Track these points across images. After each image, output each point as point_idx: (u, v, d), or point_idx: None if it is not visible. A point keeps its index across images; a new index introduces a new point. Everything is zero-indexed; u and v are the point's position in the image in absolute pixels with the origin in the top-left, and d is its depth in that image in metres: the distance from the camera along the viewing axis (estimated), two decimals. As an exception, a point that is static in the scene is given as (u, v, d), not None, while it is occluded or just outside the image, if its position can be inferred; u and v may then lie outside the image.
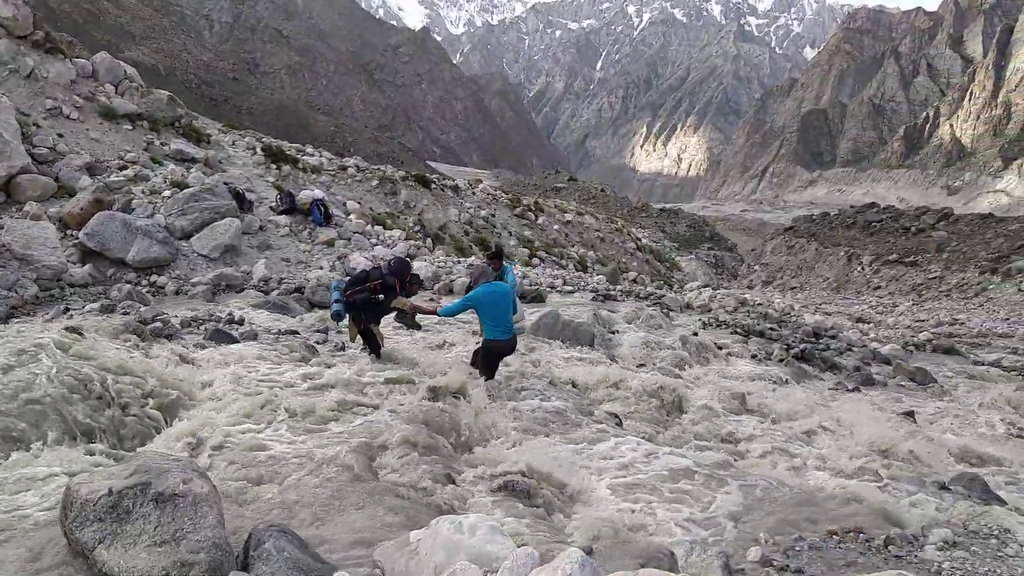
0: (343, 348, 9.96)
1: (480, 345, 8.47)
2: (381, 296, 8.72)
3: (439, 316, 8.68)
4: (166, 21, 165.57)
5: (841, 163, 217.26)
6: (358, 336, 9.28)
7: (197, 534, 3.49)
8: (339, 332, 10.80)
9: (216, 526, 3.57)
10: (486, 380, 8.17)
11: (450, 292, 17.76)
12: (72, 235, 14.73)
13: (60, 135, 17.96)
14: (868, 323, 22.80)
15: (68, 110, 18.99)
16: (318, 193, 21.02)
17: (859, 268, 43.05)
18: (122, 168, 18.04)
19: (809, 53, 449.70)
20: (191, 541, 3.46)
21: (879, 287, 39.11)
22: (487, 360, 8.29)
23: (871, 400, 10.61)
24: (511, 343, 8.22)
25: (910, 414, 9.29)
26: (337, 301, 8.81)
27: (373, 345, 9.17)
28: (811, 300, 35.20)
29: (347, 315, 8.91)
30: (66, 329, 7.11)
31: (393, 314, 9.39)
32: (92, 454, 5.26)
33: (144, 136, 20.36)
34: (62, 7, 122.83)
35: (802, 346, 14.40)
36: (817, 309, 27.55)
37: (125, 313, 9.97)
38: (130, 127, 20.24)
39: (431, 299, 13.82)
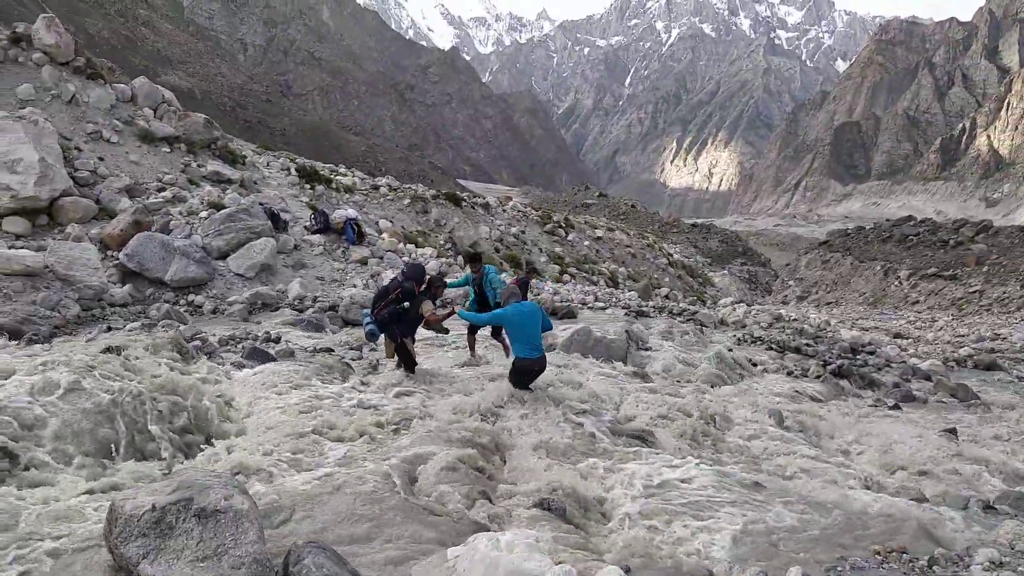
0: (376, 366, 10.03)
1: (512, 364, 8.47)
2: (406, 304, 8.78)
3: (459, 317, 9.00)
4: (201, 46, 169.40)
5: (876, 176, 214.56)
6: (394, 353, 9.36)
7: (238, 549, 3.53)
8: (373, 350, 10.89)
9: (257, 542, 3.61)
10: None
11: (482, 309, 17.82)
12: (112, 256, 15.06)
13: (101, 158, 18.41)
14: (907, 338, 22.38)
15: (108, 134, 19.46)
16: (351, 212, 21.27)
17: (896, 282, 42.33)
18: (160, 190, 18.42)
19: (841, 66, 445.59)
20: (232, 556, 3.50)
21: (917, 302, 38.41)
22: (517, 379, 8.30)
23: (912, 417, 10.40)
24: (540, 362, 8.22)
25: (952, 431, 9.09)
26: (369, 321, 8.93)
27: (408, 361, 9.23)
28: (847, 315, 34.66)
29: (381, 333, 9.00)
30: (108, 349, 7.27)
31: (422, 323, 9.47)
32: (135, 471, 5.35)
33: (181, 158, 20.79)
34: (101, 33, 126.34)
35: (839, 362, 14.19)
36: (854, 324, 27.12)
37: (165, 331, 10.16)
38: (168, 150, 20.68)
39: (443, 305, 13.72)
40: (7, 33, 20.12)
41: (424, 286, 9.12)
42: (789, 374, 13.23)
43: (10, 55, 19.49)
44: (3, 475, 5.07)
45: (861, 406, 11.38)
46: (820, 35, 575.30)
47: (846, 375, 13.42)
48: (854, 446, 8.64)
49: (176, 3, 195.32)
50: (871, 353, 16.49)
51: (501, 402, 7.85)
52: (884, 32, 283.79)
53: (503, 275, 15.82)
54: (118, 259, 14.84)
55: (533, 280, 16.59)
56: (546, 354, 8.49)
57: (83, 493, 4.93)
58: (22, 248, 13.82)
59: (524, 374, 8.24)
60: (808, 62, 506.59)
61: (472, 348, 10.99)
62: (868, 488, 6.73)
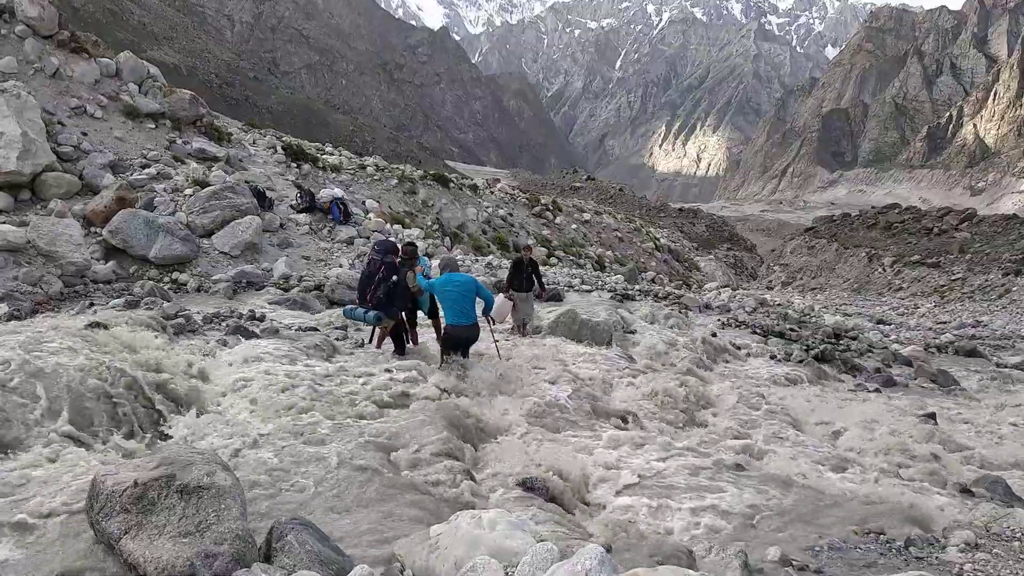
0: (362, 345, 10.02)
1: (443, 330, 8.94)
2: (395, 277, 8.95)
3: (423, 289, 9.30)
4: (188, 21, 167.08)
5: (862, 163, 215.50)
6: (392, 331, 9.41)
7: (221, 525, 3.54)
8: (358, 329, 10.86)
9: (239, 518, 3.62)
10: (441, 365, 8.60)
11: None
12: (96, 232, 14.91)
13: (84, 134, 18.17)
14: (889, 324, 22.58)
15: (92, 109, 19.20)
16: (338, 192, 21.15)
17: (880, 269, 42.63)
18: (145, 166, 18.22)
19: (831, 52, 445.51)
20: (215, 532, 3.51)
21: (900, 288, 38.72)
22: (445, 345, 8.74)
23: (892, 402, 10.52)
24: (470, 330, 8.62)
25: (932, 416, 9.20)
26: (366, 310, 8.93)
27: (399, 342, 9.30)
28: (831, 301, 34.92)
29: (386, 314, 9.01)
30: (91, 324, 7.22)
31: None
32: (119, 446, 5.34)
33: (167, 135, 20.56)
34: (86, 7, 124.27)
35: (822, 347, 14.29)
36: (837, 310, 27.32)
37: (148, 308, 10.09)
38: (153, 126, 20.45)
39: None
40: (-11, 5, 19.76)
41: (401, 258, 9.23)
42: (772, 358, 13.33)
43: (-9, 27, 19.15)
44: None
45: (843, 390, 11.49)
46: (811, 21, 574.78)
47: (828, 359, 13.52)
48: (834, 429, 8.72)
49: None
50: (854, 339, 16.63)
51: (428, 368, 8.26)
52: (874, 19, 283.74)
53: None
54: (101, 236, 14.70)
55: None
56: (478, 323, 8.82)
57: (63, 464, 4.91)
58: (4, 223, 13.66)
59: (453, 340, 8.66)
60: (798, 48, 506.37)
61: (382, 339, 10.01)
62: (847, 470, 6.81)
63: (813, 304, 28.41)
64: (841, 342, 15.90)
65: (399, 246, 9.73)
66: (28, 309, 10.68)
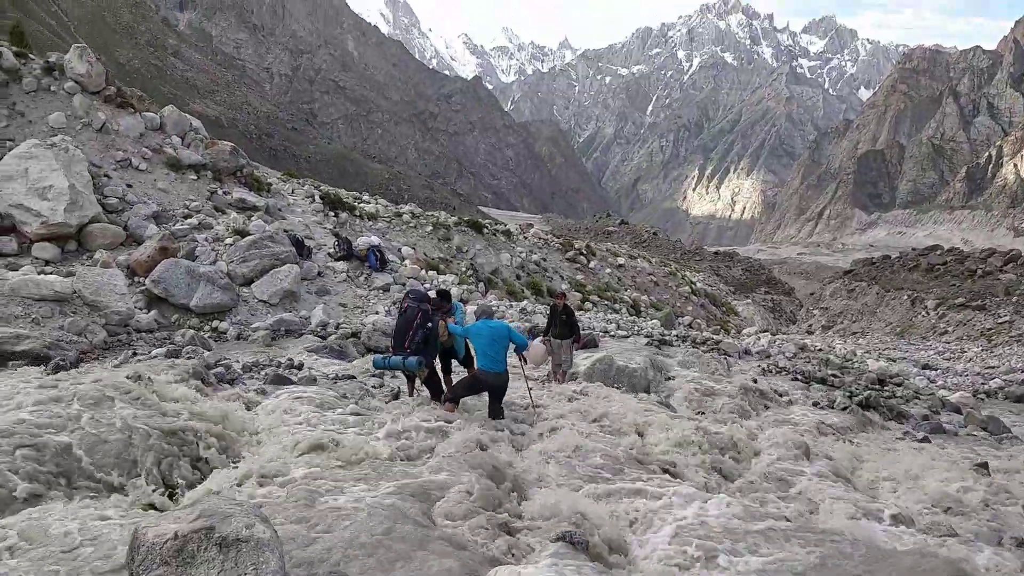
0: (398, 394, 10.01)
1: (470, 377, 9.15)
2: (429, 324, 9.04)
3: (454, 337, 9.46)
4: (229, 75, 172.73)
5: (901, 205, 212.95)
6: (426, 380, 9.40)
7: (259, 580, 3.51)
8: (394, 377, 10.87)
9: (278, 571, 3.59)
10: (446, 402, 8.78)
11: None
12: (139, 282, 15.25)
13: (129, 185, 18.74)
14: (935, 370, 22.00)
15: (137, 161, 19.82)
16: (374, 239, 21.45)
17: (923, 312, 41.74)
18: (187, 217, 18.69)
19: (864, 94, 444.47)
20: (253, 587, 3.48)
21: (945, 332, 37.82)
22: (470, 385, 8.96)
23: (942, 451, 10.18)
24: (499, 376, 8.79)
25: (984, 465, 8.87)
26: (405, 356, 8.91)
27: (435, 388, 9.28)
28: (873, 346, 34.18)
29: (424, 359, 9.01)
30: (132, 375, 7.32)
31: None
32: (158, 498, 5.36)
33: (208, 186, 21.10)
34: (131, 63, 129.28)
35: (866, 393, 13.95)
36: (880, 355, 26.73)
37: (189, 358, 10.23)
38: (195, 177, 21.01)
39: None
40: (40, 63, 20.64)
41: (434, 307, 9.33)
42: (815, 405, 13.03)
43: (43, 84, 19.96)
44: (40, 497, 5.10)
45: (889, 438, 11.16)
46: (843, 63, 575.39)
47: (873, 406, 13.19)
48: (882, 479, 8.45)
49: (204, 33, 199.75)
50: (899, 385, 16.22)
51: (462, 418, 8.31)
52: (908, 60, 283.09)
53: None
54: (144, 285, 15.03)
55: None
56: (507, 373, 8.98)
57: (107, 518, 4.94)
58: (51, 274, 14.04)
59: (480, 383, 8.88)
60: (831, 91, 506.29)
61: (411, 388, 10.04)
62: (897, 523, 6.57)
63: (855, 349, 27.83)
64: (886, 388, 15.52)
65: (440, 290, 9.99)
66: (73, 359, 10.90)
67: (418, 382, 9.54)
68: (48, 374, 8.80)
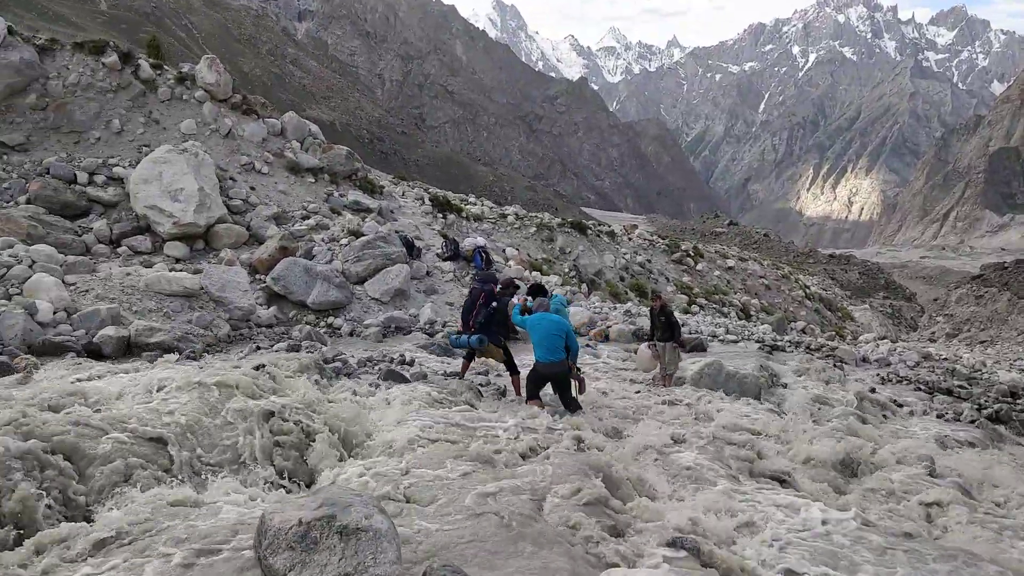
0: (504, 392, 10.15)
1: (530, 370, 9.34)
2: (494, 304, 9.49)
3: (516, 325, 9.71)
4: (343, 81, 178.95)
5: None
6: (502, 357, 9.98)
7: (377, 568, 3.63)
8: (498, 375, 11.04)
9: (395, 562, 3.70)
10: (528, 398, 9.13)
11: (606, 339, 17.66)
12: (260, 279, 16.04)
13: (252, 188, 19.72)
14: (1077, 383, 20.30)
15: (260, 165, 20.84)
16: (480, 240, 21.76)
17: (1063, 321, 38.65)
18: (305, 218, 19.50)
19: (997, 88, 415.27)
20: (371, 575, 3.61)
21: (1088, 343, 34.89)
22: (531, 379, 9.18)
23: (1086, 470, 9.40)
24: (556, 366, 8.97)
25: None
26: (469, 335, 9.52)
27: (512, 362, 9.90)
28: (1004, 356, 31.90)
29: (488, 338, 9.55)
30: (256, 367, 7.72)
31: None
32: (282, 485, 5.63)
33: (325, 188, 21.96)
34: (254, 71, 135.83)
35: (997, 406, 13.07)
36: (1012, 366, 24.92)
37: (309, 352, 10.69)
38: (313, 180, 21.90)
39: None
40: (174, 73, 22.01)
41: (501, 286, 9.67)
42: (939, 417, 12.30)
43: (176, 93, 21.29)
44: (160, 478, 5.47)
45: (1023, 454, 10.41)
46: (974, 56, 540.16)
47: (1005, 420, 12.36)
48: (1015, 498, 7.90)
49: (321, 42, 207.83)
50: (1034, 398, 15.09)
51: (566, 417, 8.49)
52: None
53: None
54: (265, 282, 15.78)
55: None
56: (566, 361, 9.11)
57: (230, 503, 5.22)
58: (181, 271, 14.97)
59: (540, 376, 9.12)
60: (960, 85, 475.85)
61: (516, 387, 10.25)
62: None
63: (984, 359, 26.07)
64: (1019, 401, 14.46)
65: (508, 280, 10.55)
66: (200, 350, 11.59)
67: (473, 363, 10.36)
68: (179, 363, 9.41)
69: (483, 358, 10.32)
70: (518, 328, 9.78)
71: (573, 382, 9.32)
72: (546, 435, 7.52)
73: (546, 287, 10.86)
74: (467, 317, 9.59)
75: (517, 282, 10.84)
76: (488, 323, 9.46)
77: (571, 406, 9.07)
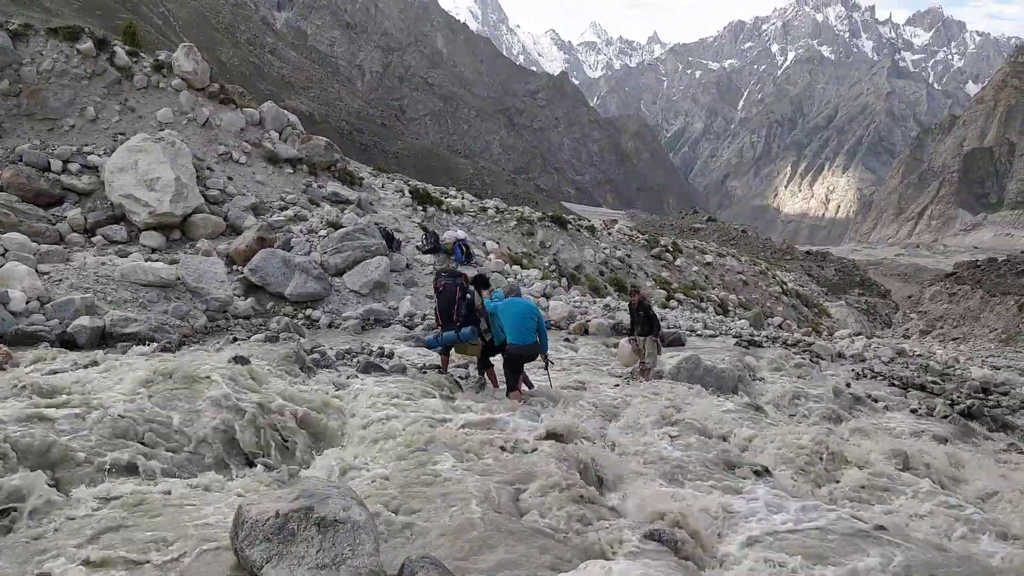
0: (484, 385, 10.14)
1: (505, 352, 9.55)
2: (468, 295, 9.67)
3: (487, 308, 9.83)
4: (323, 72, 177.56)
5: (1009, 205, 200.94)
6: (478, 353, 10.02)
7: (355, 560, 3.62)
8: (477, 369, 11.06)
9: (373, 554, 3.69)
10: (509, 390, 9.30)
11: (585, 332, 17.72)
12: (237, 270, 15.88)
13: (230, 178, 19.50)
14: (1046, 379, 20.66)
15: (237, 155, 20.60)
16: (460, 233, 21.70)
17: (1032, 319, 39.31)
18: (283, 209, 19.33)
19: (972, 89, 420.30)
20: (349, 567, 3.59)
21: (1057, 340, 35.53)
22: (508, 364, 9.42)
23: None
24: (529, 348, 9.36)
25: (1102, 483, 8.31)
26: (458, 329, 9.55)
27: (486, 363, 10.02)
28: (976, 352, 32.41)
29: (474, 330, 9.60)
30: (234, 359, 7.65)
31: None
32: (257, 477, 5.58)
33: (303, 179, 21.77)
34: (232, 60, 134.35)
35: (969, 402, 13.29)
36: (984, 362, 25.32)
37: (286, 343, 10.61)
38: (291, 171, 21.70)
39: None
40: (150, 61, 21.67)
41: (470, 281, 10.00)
42: (913, 412, 12.48)
43: (152, 81, 20.96)
44: (145, 474, 5.41)
45: (993, 450, 10.60)
46: (949, 57, 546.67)
47: (976, 416, 12.56)
48: (985, 491, 8.05)
49: (300, 32, 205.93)
50: (1004, 394, 15.33)
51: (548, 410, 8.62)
52: (1020, 54, 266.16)
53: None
54: (243, 273, 15.64)
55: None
56: (537, 343, 9.49)
57: (208, 493, 5.18)
58: (157, 261, 14.79)
59: (514, 357, 9.36)
60: (936, 85, 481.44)
61: (493, 379, 10.28)
62: (1001, 537, 6.25)
63: (957, 355, 26.47)
64: (990, 397, 14.70)
65: (478, 275, 10.61)
66: (176, 341, 11.47)
67: (451, 360, 10.39)
68: (154, 354, 9.29)
69: (461, 353, 10.25)
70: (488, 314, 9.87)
71: (545, 363, 9.87)
72: (525, 428, 7.53)
73: (488, 279, 10.92)
74: (448, 314, 9.57)
75: (487, 279, 10.85)
76: (470, 315, 9.53)
77: (527, 382, 9.72)
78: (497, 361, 9.97)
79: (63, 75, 19.35)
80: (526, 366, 9.73)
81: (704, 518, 5.56)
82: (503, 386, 9.76)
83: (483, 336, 9.71)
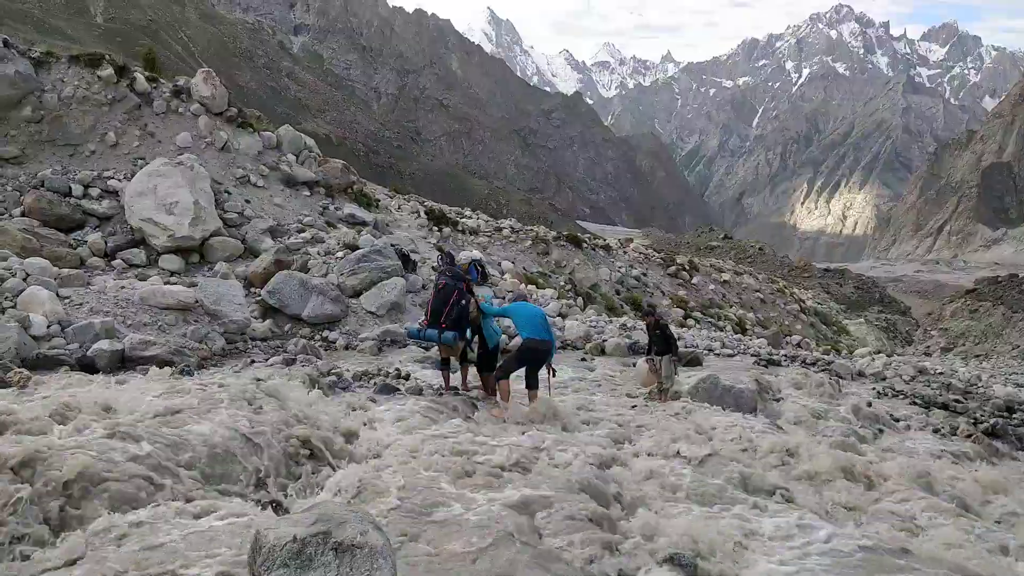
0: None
1: (516, 350, 9.75)
2: (463, 302, 9.41)
3: (483, 312, 9.86)
4: (339, 95, 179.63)
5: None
6: (461, 359, 10.18)
7: (373, 586, 3.58)
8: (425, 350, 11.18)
9: (390, 580, 3.65)
10: (498, 381, 9.39)
11: (602, 352, 17.62)
12: (255, 293, 15.97)
13: (247, 201, 19.68)
14: (1072, 397, 20.30)
15: (255, 178, 20.80)
16: (476, 254, 21.77)
17: (1056, 335, 38.79)
18: (300, 231, 19.46)
19: (989, 103, 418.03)
20: (367, 593, 3.56)
21: (1082, 357, 34.99)
22: (521, 357, 9.48)
23: (1083, 485, 9.39)
24: (547, 344, 9.39)
25: None
26: (440, 331, 9.27)
27: (464, 361, 10.13)
28: (999, 370, 31.98)
29: (460, 335, 9.48)
30: (256, 380, 7.67)
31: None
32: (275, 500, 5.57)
33: (320, 201, 21.93)
34: (249, 84, 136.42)
35: (993, 421, 13.07)
36: (1008, 380, 24.96)
37: (303, 365, 10.64)
38: (308, 193, 21.87)
39: None
40: (169, 86, 21.98)
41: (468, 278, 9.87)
42: (936, 432, 12.29)
43: (171, 106, 21.26)
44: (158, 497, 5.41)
45: (1020, 470, 10.40)
46: (965, 72, 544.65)
47: (1001, 435, 12.35)
48: (1011, 512, 7.89)
49: (316, 55, 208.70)
50: (1030, 412, 15.09)
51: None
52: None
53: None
54: (260, 296, 15.72)
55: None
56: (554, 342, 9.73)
57: (223, 518, 5.16)
58: (176, 284, 14.90)
59: (531, 352, 9.38)
60: (952, 100, 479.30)
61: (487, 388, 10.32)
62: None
63: (979, 373, 26.11)
64: (1015, 416, 14.47)
65: (474, 264, 10.82)
66: (195, 364, 11.53)
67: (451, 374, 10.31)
68: (174, 378, 9.34)
69: (447, 353, 10.11)
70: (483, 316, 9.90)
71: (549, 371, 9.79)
72: (541, 449, 7.48)
73: (487, 273, 11.16)
74: (438, 314, 9.28)
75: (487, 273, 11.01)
76: (459, 320, 9.34)
77: (533, 384, 9.50)
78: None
79: (84, 101, 19.66)
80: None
81: (725, 542, 5.48)
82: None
83: (468, 348, 9.72)
